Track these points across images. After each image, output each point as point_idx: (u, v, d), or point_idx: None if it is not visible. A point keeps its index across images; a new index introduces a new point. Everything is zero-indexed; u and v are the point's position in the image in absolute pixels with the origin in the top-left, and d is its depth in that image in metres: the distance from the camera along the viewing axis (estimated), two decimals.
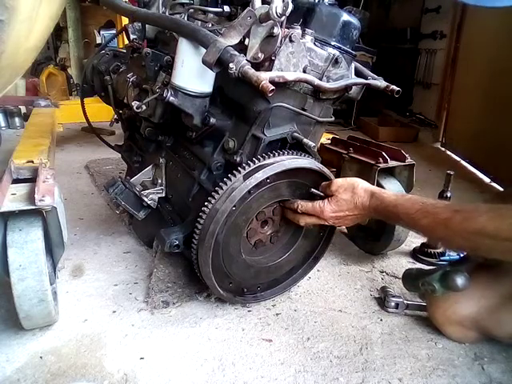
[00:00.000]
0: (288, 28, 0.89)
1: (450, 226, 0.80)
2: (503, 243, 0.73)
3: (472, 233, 0.76)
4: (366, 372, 0.90)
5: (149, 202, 1.12)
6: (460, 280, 0.89)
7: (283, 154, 0.96)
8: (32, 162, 1.15)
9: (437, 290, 0.93)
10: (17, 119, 2.90)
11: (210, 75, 0.92)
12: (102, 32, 4.10)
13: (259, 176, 0.90)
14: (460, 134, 2.87)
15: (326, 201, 0.98)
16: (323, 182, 1.02)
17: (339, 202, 0.97)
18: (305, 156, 1.00)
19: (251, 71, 0.79)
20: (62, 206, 0.94)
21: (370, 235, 1.41)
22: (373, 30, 3.71)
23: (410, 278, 1.05)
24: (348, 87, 1.02)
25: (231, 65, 0.78)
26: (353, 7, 1.08)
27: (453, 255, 1.38)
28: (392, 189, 1.30)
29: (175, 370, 0.88)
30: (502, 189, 2.15)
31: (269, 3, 0.81)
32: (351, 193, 0.97)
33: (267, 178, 0.92)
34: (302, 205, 0.99)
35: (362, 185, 0.97)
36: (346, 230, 1.54)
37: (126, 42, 1.41)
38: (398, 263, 1.38)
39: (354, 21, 0.99)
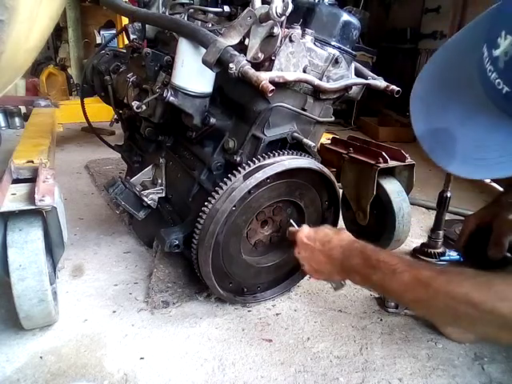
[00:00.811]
0: (288, 28, 0.89)
1: (432, 285, 0.70)
2: (487, 316, 0.64)
3: (455, 298, 0.67)
4: (366, 372, 0.90)
5: (149, 202, 1.12)
6: None
7: (283, 154, 0.96)
8: (32, 161, 1.15)
9: None
10: (17, 119, 2.90)
11: (210, 75, 0.92)
12: (101, 32, 4.10)
13: (259, 176, 0.90)
14: None
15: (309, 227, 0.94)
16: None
17: (319, 231, 0.90)
18: (305, 156, 1.00)
19: (251, 71, 0.79)
20: (61, 206, 0.94)
21: (370, 235, 1.41)
22: (373, 30, 3.71)
23: None
24: (348, 87, 1.02)
25: (231, 65, 0.78)
26: (353, 7, 1.08)
27: (453, 255, 1.38)
28: (392, 189, 1.30)
29: (175, 370, 0.88)
30: (501, 189, 2.15)
31: (269, 3, 0.81)
32: (336, 230, 0.92)
33: (267, 178, 0.92)
34: (289, 229, 0.98)
35: (347, 232, 0.91)
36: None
37: (126, 42, 1.41)
38: None
39: (354, 21, 0.99)
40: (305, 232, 0.91)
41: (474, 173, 0.60)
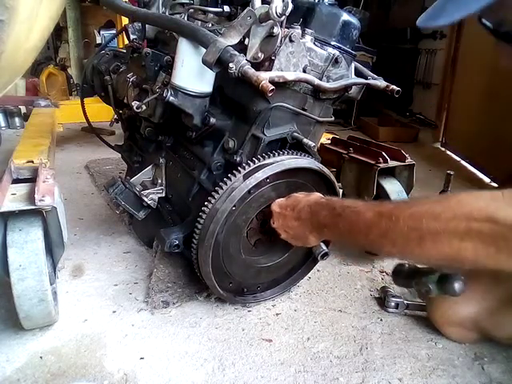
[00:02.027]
0: (288, 28, 0.89)
1: (395, 213, 0.71)
2: (450, 224, 0.65)
3: (417, 217, 0.68)
4: (366, 372, 0.90)
5: (149, 202, 1.12)
6: (458, 285, 0.87)
7: (283, 153, 0.96)
8: (32, 162, 1.15)
9: (432, 292, 0.91)
10: (17, 119, 2.89)
11: (210, 75, 0.92)
12: (102, 32, 4.10)
13: (259, 176, 0.90)
14: (460, 134, 2.87)
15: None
16: None
17: (291, 198, 0.94)
18: (305, 156, 1.00)
19: (251, 71, 0.79)
20: (61, 206, 0.94)
21: None
22: (373, 30, 3.70)
23: (403, 275, 1.01)
24: (348, 87, 1.02)
25: (231, 65, 0.78)
26: (353, 7, 1.08)
27: None
28: (392, 189, 1.30)
29: (175, 370, 0.88)
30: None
31: (269, 3, 0.81)
32: (306, 194, 0.94)
33: (267, 178, 0.92)
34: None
35: (319, 194, 0.94)
36: None
37: (126, 42, 1.41)
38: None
39: (354, 21, 0.99)
40: (277, 202, 0.95)
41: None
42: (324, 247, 0.99)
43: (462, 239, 0.64)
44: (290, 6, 0.81)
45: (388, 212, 0.73)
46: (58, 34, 4.63)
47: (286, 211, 0.92)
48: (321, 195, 0.94)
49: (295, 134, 0.98)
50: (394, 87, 1.07)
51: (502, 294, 0.91)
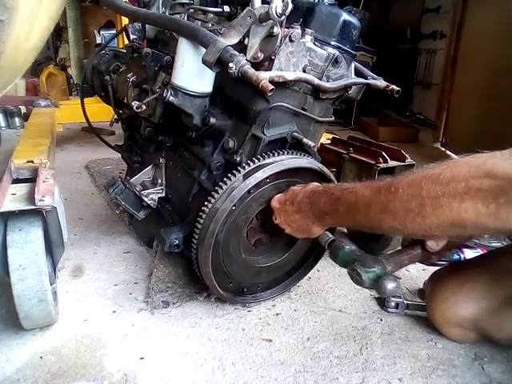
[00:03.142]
0: (288, 28, 0.89)
1: (393, 184, 0.70)
2: (449, 185, 0.63)
3: (416, 183, 0.66)
4: (366, 372, 0.90)
5: (149, 202, 1.12)
6: (390, 286, 0.84)
7: (283, 153, 0.96)
8: (32, 161, 1.15)
9: (363, 283, 0.87)
10: (17, 119, 2.89)
11: (210, 75, 0.92)
12: (102, 32, 4.10)
13: (259, 176, 0.90)
14: (460, 134, 2.87)
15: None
16: None
17: (288, 192, 0.93)
18: (304, 156, 1.00)
19: (251, 71, 0.79)
20: (62, 206, 0.94)
21: (370, 235, 1.41)
22: (373, 30, 3.71)
23: (342, 252, 0.94)
24: (348, 87, 1.02)
25: (231, 64, 0.78)
26: (353, 7, 1.08)
27: (453, 256, 1.38)
28: None
29: (175, 370, 0.88)
30: None
31: (268, 3, 0.81)
32: (303, 185, 0.93)
33: (267, 178, 0.92)
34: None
35: (316, 183, 0.93)
36: (346, 230, 1.53)
37: (126, 42, 1.41)
38: None
39: (354, 21, 0.99)
40: (275, 198, 0.94)
41: None
42: (330, 235, 0.96)
43: (462, 200, 0.62)
44: (290, 6, 0.81)
45: (386, 185, 0.72)
46: (58, 34, 4.63)
47: (285, 206, 0.92)
48: (318, 184, 0.92)
49: (295, 133, 0.98)
50: (394, 87, 1.07)
51: (502, 294, 0.91)
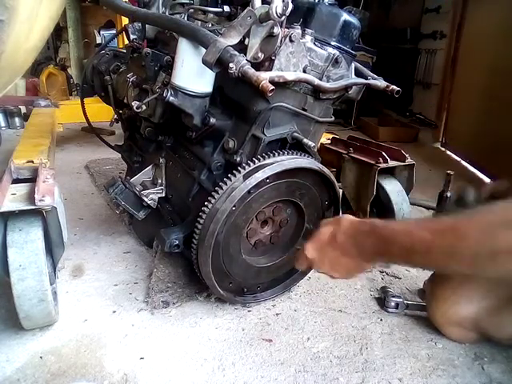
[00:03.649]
0: (288, 28, 0.89)
1: (459, 227, 0.65)
2: None
3: (494, 226, 0.61)
4: (366, 372, 0.90)
5: (149, 202, 1.12)
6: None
7: (283, 153, 0.96)
8: (32, 162, 1.15)
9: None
10: (17, 119, 2.89)
11: (210, 75, 0.92)
12: (101, 32, 4.10)
13: (259, 176, 0.90)
14: (460, 134, 2.87)
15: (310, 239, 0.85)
16: None
17: (321, 236, 0.83)
18: (305, 156, 1.00)
19: (251, 71, 0.79)
20: (62, 206, 0.94)
21: None
22: (373, 30, 3.71)
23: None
24: (348, 87, 1.02)
25: (231, 65, 0.78)
26: (353, 7, 1.08)
27: None
28: (392, 189, 1.30)
29: (175, 370, 0.88)
30: None
31: (269, 3, 0.81)
32: (335, 223, 0.83)
33: (267, 178, 0.92)
34: (296, 262, 0.90)
35: (348, 217, 0.84)
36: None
37: (126, 42, 1.41)
38: None
39: (354, 21, 0.99)
40: (308, 248, 0.84)
41: None
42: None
43: None
44: (290, 6, 0.81)
45: (450, 227, 0.66)
46: (58, 34, 4.63)
47: (326, 252, 0.82)
48: (352, 217, 0.83)
49: (295, 134, 0.98)
50: (394, 87, 1.07)
51: (503, 294, 0.91)
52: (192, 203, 1.04)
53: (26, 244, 0.84)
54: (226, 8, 1.10)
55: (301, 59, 0.91)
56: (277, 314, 1.09)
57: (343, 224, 0.81)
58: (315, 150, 1.04)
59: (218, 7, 1.11)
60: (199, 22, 1.13)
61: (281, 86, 0.88)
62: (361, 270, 0.84)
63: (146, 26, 1.26)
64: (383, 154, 1.29)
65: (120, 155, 1.55)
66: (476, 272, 0.70)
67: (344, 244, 0.79)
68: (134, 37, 1.29)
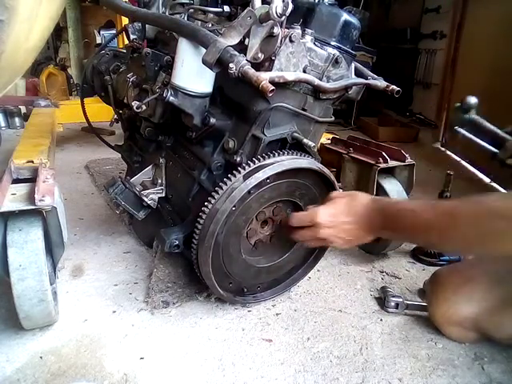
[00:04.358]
0: (288, 28, 0.89)
1: (456, 212, 0.72)
2: None
3: (482, 216, 0.69)
4: (366, 372, 0.90)
5: (149, 202, 1.12)
6: None
7: (283, 154, 0.96)
8: (32, 162, 1.15)
9: None
10: (17, 119, 2.89)
11: (210, 75, 0.92)
12: (102, 32, 4.10)
13: (259, 176, 0.90)
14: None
15: (321, 205, 0.92)
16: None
17: (336, 205, 0.90)
18: (305, 156, 1.00)
19: (251, 71, 0.79)
20: (62, 206, 0.94)
21: None
22: (373, 29, 3.71)
23: None
24: (348, 87, 1.02)
25: (231, 65, 0.78)
26: (353, 7, 1.08)
27: (452, 256, 1.38)
28: (392, 189, 1.30)
29: (175, 370, 0.88)
30: (502, 189, 2.15)
31: (269, 3, 0.81)
32: (350, 197, 0.91)
33: (267, 178, 0.92)
34: (296, 216, 0.95)
35: (362, 194, 0.92)
36: None
37: (126, 42, 1.41)
38: (398, 263, 1.38)
39: (354, 21, 0.99)
40: (320, 212, 0.90)
41: None
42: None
43: None
44: (290, 6, 0.81)
45: (448, 210, 0.74)
46: (58, 34, 4.63)
47: (339, 218, 0.89)
48: (367, 195, 0.91)
49: (295, 134, 0.98)
50: (394, 87, 1.07)
51: (503, 294, 0.91)
52: (192, 203, 1.04)
53: (26, 244, 0.84)
54: (226, 8, 1.10)
55: (301, 59, 0.91)
56: (277, 314, 1.09)
57: (361, 198, 0.90)
58: (315, 150, 1.04)
59: (217, 7, 1.11)
60: (199, 22, 1.13)
61: (281, 86, 0.88)
62: (361, 240, 0.91)
63: (146, 26, 1.26)
64: (383, 153, 1.29)
65: (120, 155, 1.54)
66: (467, 253, 0.83)
67: (360, 214, 0.87)
68: (134, 37, 1.29)
